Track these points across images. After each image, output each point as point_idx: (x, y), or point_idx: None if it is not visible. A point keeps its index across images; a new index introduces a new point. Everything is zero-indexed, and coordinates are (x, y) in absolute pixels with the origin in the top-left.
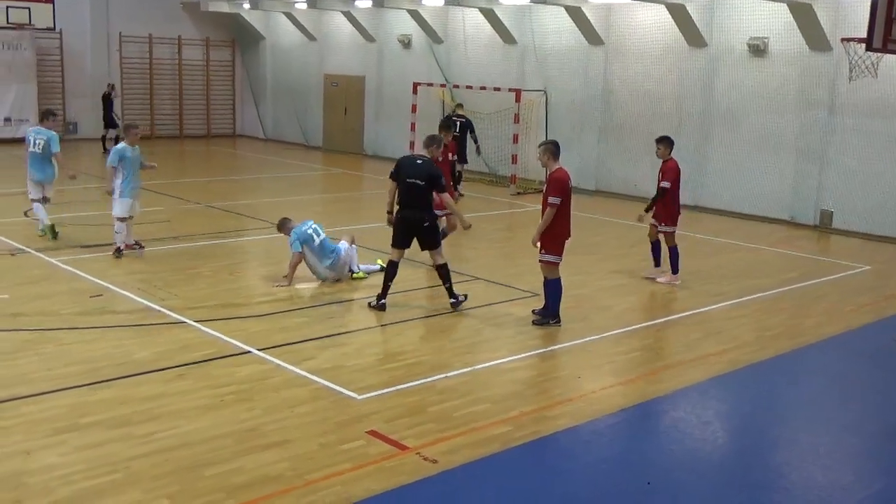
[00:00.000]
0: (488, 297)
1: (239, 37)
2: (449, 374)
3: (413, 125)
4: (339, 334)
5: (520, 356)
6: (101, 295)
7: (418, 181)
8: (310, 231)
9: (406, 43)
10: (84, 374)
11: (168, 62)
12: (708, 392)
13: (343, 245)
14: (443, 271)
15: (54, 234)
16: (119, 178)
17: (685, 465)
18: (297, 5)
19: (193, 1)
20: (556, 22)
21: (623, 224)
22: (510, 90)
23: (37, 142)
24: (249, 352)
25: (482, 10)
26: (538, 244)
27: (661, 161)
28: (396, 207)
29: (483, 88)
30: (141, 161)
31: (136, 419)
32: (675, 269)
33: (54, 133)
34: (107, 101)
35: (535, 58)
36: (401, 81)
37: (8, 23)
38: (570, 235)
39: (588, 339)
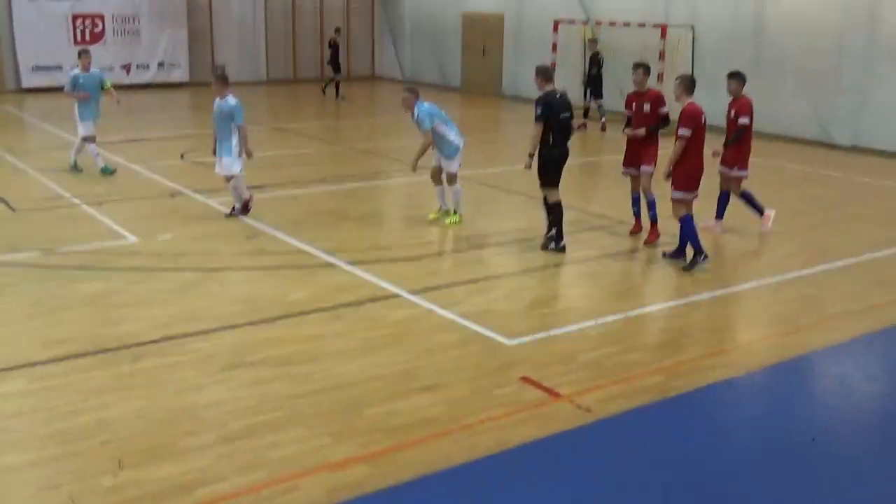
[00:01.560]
0: (637, 242)
1: None
2: (600, 321)
3: (553, 64)
4: (487, 279)
5: (672, 303)
6: (256, 236)
7: (569, 115)
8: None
9: None
10: (246, 313)
11: (309, 4)
12: (874, 345)
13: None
14: (556, 209)
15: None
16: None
17: (851, 422)
18: None
19: None
20: None
21: (769, 165)
22: (655, 26)
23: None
24: (400, 295)
25: None
26: (669, 179)
27: (731, 97)
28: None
29: (626, 25)
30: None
31: (296, 359)
32: (760, 210)
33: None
34: (333, 46)
35: None
36: (540, 19)
37: None
38: (703, 170)
39: (743, 286)
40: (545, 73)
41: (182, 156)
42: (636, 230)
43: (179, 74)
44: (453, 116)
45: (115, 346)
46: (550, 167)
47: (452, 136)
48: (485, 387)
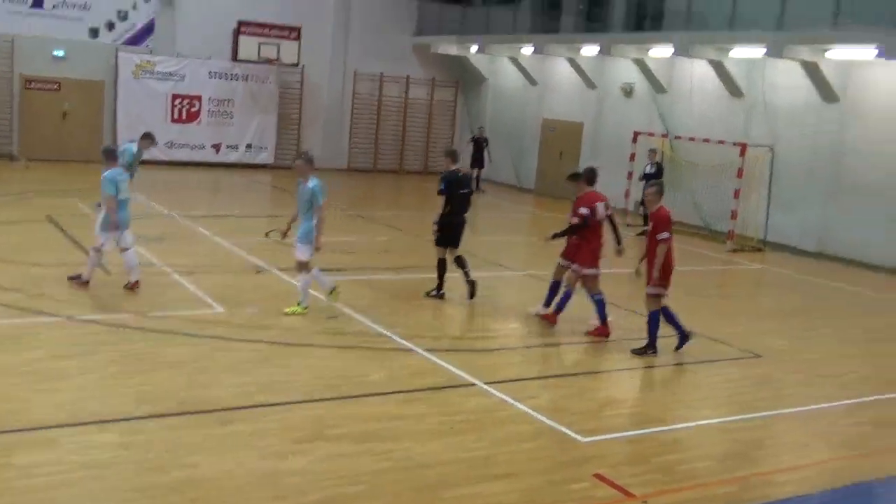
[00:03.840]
0: (706, 354)
1: (462, 78)
2: (671, 427)
3: (630, 174)
4: (559, 375)
5: (745, 416)
6: (336, 317)
7: (468, 191)
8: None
9: (628, 91)
10: (327, 388)
11: (395, 99)
12: None
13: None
14: (461, 261)
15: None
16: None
17: None
18: (522, 50)
19: (424, 43)
20: (788, 77)
21: (848, 290)
22: (735, 144)
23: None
24: (475, 384)
25: (711, 62)
26: (647, 278)
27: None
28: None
29: (706, 141)
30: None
31: (376, 436)
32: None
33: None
34: (477, 143)
35: (763, 112)
36: (619, 129)
37: (258, 58)
38: (673, 267)
39: (814, 406)
40: (452, 155)
41: (267, 234)
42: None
43: (265, 157)
44: (529, 217)
45: (203, 408)
46: (447, 231)
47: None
48: (559, 480)
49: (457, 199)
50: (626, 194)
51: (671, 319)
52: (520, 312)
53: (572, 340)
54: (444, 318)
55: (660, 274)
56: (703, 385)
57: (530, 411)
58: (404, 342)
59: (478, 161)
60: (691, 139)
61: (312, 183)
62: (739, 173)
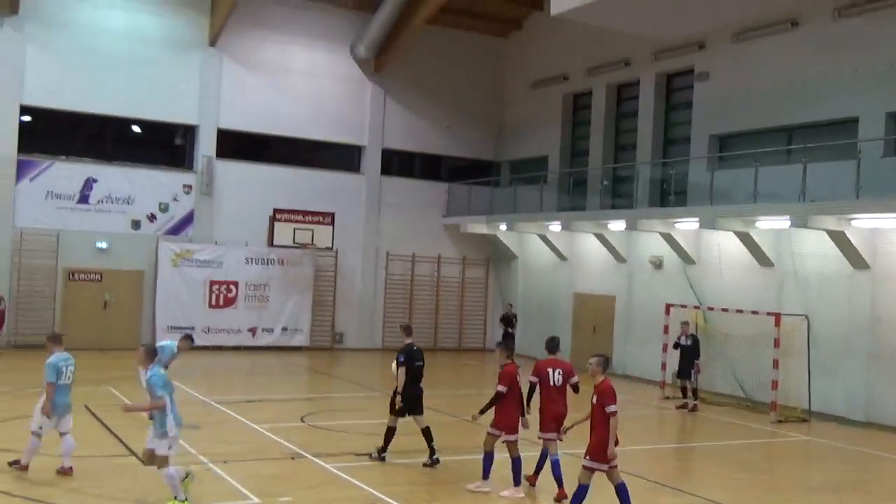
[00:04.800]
0: None
1: (493, 255)
2: None
3: (665, 346)
4: None
5: None
6: None
7: (421, 363)
8: None
9: (658, 264)
10: None
11: (427, 278)
12: None
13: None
14: (428, 433)
15: None
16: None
17: None
18: (550, 227)
19: (454, 223)
20: (817, 245)
21: (884, 457)
22: (768, 314)
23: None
24: None
25: (737, 234)
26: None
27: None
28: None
29: (739, 311)
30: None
31: None
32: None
33: None
34: (507, 319)
35: (795, 281)
36: (652, 302)
37: (294, 243)
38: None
39: None
40: (407, 330)
41: (302, 419)
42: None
43: (300, 339)
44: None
45: None
46: (408, 402)
47: (172, 417)
48: None
49: (412, 370)
50: (663, 367)
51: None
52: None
53: None
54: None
55: (600, 446)
56: None
57: None
58: None
59: (507, 337)
60: (724, 310)
61: (151, 372)
62: (776, 343)
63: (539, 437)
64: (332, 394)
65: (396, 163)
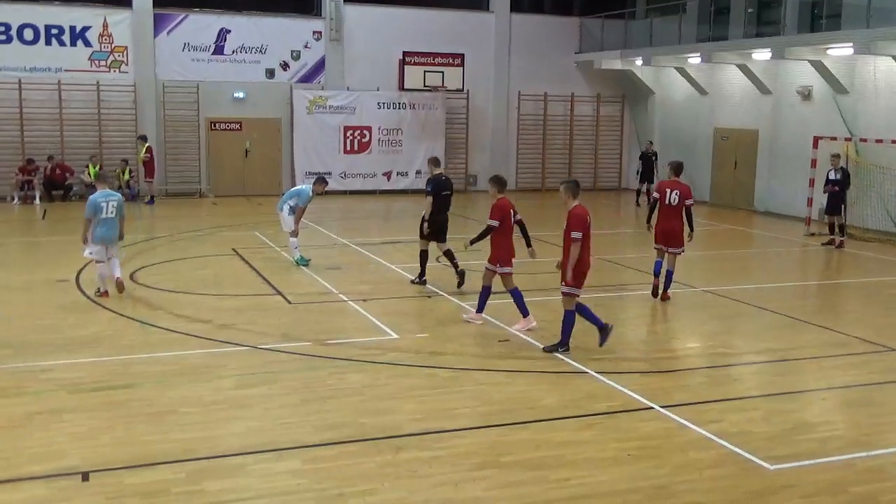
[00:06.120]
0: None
1: (628, 92)
2: (871, 453)
3: (812, 181)
4: (743, 398)
5: None
6: (508, 340)
7: (449, 192)
8: None
9: (806, 94)
10: (500, 413)
11: (560, 118)
12: None
13: None
14: (450, 254)
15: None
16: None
17: None
18: (689, 60)
19: (587, 60)
20: None
21: None
22: None
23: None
24: (652, 408)
25: None
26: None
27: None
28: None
29: (894, 142)
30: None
31: (549, 463)
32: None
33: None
34: (646, 157)
35: None
36: (798, 135)
37: (424, 86)
38: (590, 267)
39: None
40: (435, 162)
41: (437, 259)
42: None
43: None
44: (700, 232)
45: (378, 435)
46: (434, 228)
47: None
48: None
49: (440, 199)
50: (809, 202)
51: (587, 315)
52: (702, 332)
53: (755, 360)
54: (618, 339)
55: (573, 273)
56: None
57: (712, 436)
58: (577, 365)
59: (647, 176)
60: (878, 141)
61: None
62: None
63: (654, 248)
64: (466, 234)
65: None
